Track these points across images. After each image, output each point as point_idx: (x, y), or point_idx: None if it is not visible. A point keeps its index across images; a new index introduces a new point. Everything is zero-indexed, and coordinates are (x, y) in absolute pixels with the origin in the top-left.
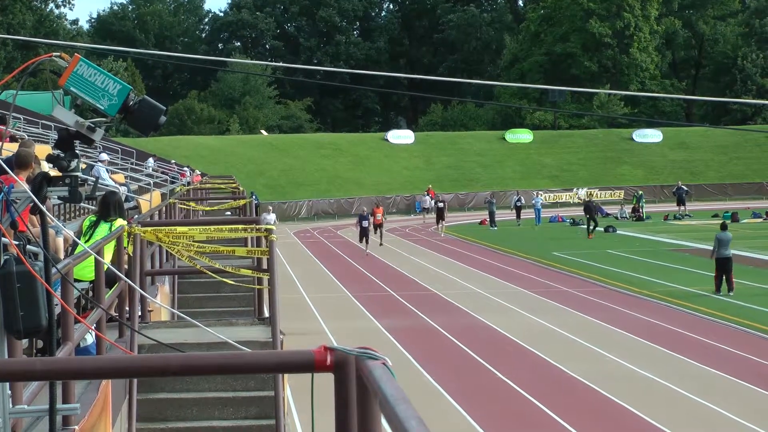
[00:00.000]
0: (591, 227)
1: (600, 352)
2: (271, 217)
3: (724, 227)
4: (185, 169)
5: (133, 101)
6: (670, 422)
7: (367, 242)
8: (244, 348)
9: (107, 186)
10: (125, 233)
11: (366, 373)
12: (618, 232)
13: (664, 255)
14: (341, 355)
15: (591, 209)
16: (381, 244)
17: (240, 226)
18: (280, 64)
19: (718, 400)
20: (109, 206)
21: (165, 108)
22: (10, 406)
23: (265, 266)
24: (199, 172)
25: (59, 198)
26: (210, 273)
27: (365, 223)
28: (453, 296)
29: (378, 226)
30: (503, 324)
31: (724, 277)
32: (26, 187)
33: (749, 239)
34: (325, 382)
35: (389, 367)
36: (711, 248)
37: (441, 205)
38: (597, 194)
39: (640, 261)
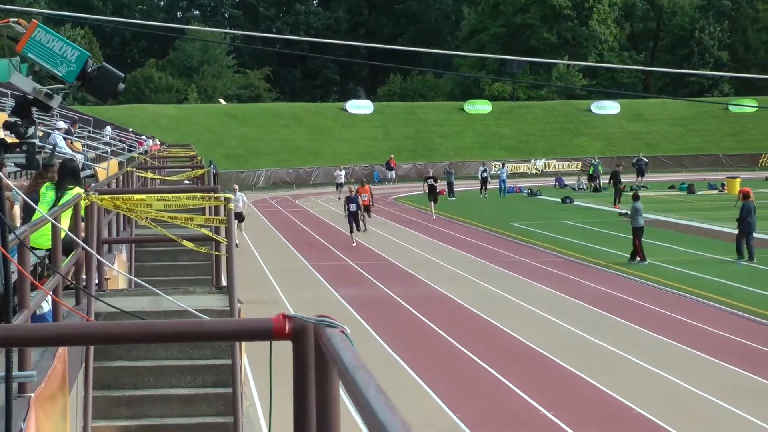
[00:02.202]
0: (616, 197)
1: (555, 321)
2: (240, 196)
3: (636, 197)
4: (143, 137)
5: (91, 68)
6: (625, 391)
7: (357, 229)
8: (203, 316)
9: (64, 154)
10: (82, 201)
11: (324, 341)
12: (575, 203)
13: (620, 226)
14: (300, 323)
15: (617, 177)
16: (365, 230)
17: (198, 195)
18: (239, 32)
19: (672, 370)
20: (66, 174)
21: (123, 75)
22: None
23: (220, 234)
24: (157, 141)
25: (16, 165)
26: (172, 237)
27: (352, 206)
28: (410, 266)
29: (365, 207)
30: (460, 294)
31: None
32: None
33: (705, 210)
34: (283, 350)
35: (348, 336)
36: (671, 220)
37: (432, 182)
38: (555, 165)
39: (597, 231)
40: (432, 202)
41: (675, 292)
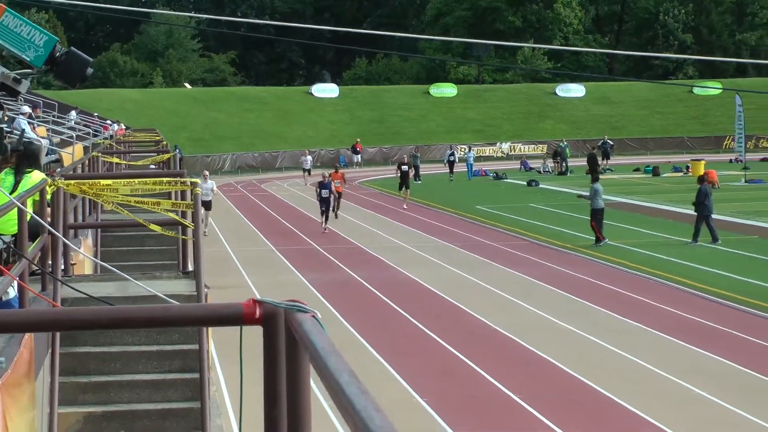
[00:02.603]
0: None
1: (521, 304)
2: (210, 183)
3: (595, 179)
4: (108, 122)
5: (59, 53)
6: (591, 373)
7: (327, 215)
8: (172, 301)
9: (29, 138)
10: (48, 186)
11: (295, 325)
12: (541, 186)
13: (585, 209)
14: (270, 308)
15: (594, 160)
16: (336, 216)
17: (165, 179)
18: (204, 15)
19: (637, 352)
20: (25, 158)
21: (91, 60)
22: None
23: (188, 218)
24: (122, 126)
25: None
26: (140, 221)
27: (325, 192)
28: (377, 250)
29: (338, 194)
30: (426, 277)
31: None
32: None
33: (670, 193)
34: (250, 335)
35: (319, 320)
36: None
37: (405, 168)
38: (521, 148)
39: (562, 214)
40: (405, 189)
41: (640, 274)
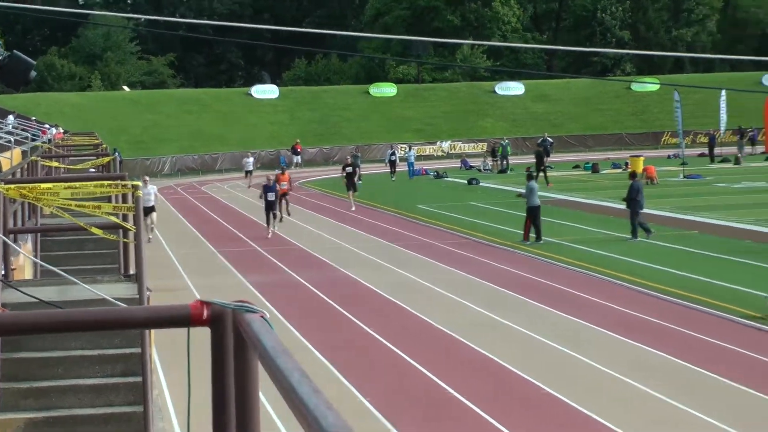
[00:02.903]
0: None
1: (463, 302)
2: (152, 188)
3: (530, 177)
4: (46, 126)
5: (2, 56)
6: (535, 370)
7: (274, 218)
8: (119, 303)
9: None
10: None
11: (244, 326)
12: (481, 184)
13: (524, 206)
14: (218, 308)
15: (541, 157)
16: (281, 220)
17: (106, 183)
18: (142, 16)
19: (579, 348)
20: None
21: (34, 63)
22: None
23: (131, 222)
24: (60, 129)
25: None
26: (81, 224)
27: (270, 195)
28: (318, 250)
29: (283, 195)
30: (369, 277)
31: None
32: None
33: (609, 189)
34: (194, 337)
35: (267, 320)
36: (575, 199)
37: (350, 169)
38: (461, 147)
39: (503, 212)
40: (351, 191)
41: (580, 270)
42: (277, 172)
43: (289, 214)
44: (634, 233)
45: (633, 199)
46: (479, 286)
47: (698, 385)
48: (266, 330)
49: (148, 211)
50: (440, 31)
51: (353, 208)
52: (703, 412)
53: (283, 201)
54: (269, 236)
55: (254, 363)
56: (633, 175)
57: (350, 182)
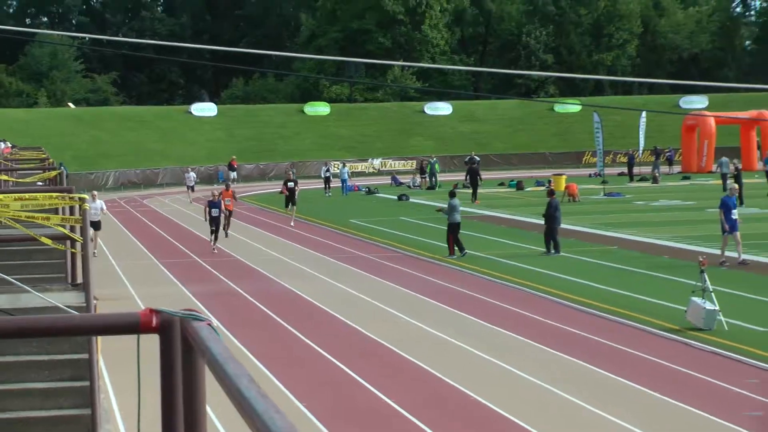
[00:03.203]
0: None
1: (396, 313)
2: (99, 203)
3: (452, 194)
4: None
5: None
6: (464, 379)
7: (216, 235)
8: (70, 311)
9: None
10: None
11: (192, 333)
12: (411, 200)
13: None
14: (167, 317)
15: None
16: (227, 236)
17: (54, 195)
18: (87, 35)
19: (504, 356)
20: None
21: None
22: None
23: (78, 233)
24: (8, 144)
25: None
26: (33, 234)
27: (214, 212)
28: (256, 262)
29: (228, 212)
30: (305, 289)
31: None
32: None
33: (533, 206)
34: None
35: (214, 328)
36: (500, 215)
37: (291, 184)
38: (391, 164)
39: (432, 227)
40: (292, 205)
41: (505, 283)
42: (222, 188)
43: (226, 235)
44: (556, 247)
45: (551, 215)
46: (408, 296)
47: (613, 391)
48: (213, 337)
49: (94, 226)
50: (372, 53)
51: (292, 224)
52: (614, 415)
53: (228, 218)
54: (214, 251)
55: (202, 368)
56: (551, 192)
57: (291, 197)
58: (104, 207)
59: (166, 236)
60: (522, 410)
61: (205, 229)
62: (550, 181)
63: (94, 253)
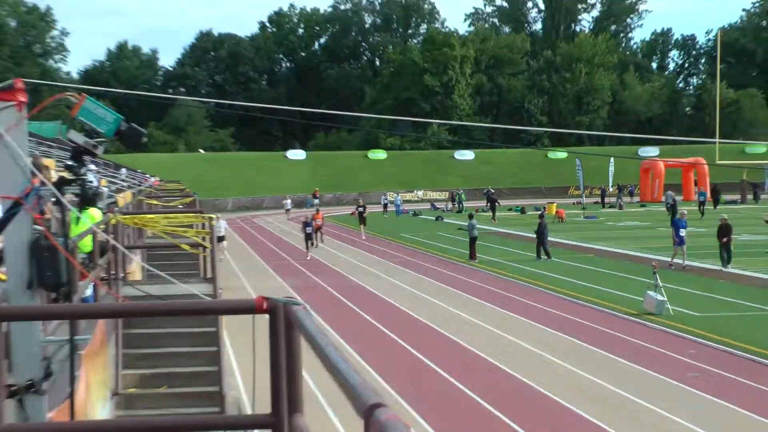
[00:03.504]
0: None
1: (428, 298)
2: (222, 223)
3: (471, 217)
4: (147, 176)
5: (124, 127)
6: (459, 335)
7: (310, 246)
8: (205, 297)
9: (92, 186)
10: (112, 219)
11: (292, 314)
12: (444, 220)
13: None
14: (273, 302)
15: (492, 199)
16: (316, 246)
17: (191, 215)
18: (212, 100)
19: (505, 330)
20: (87, 200)
21: (146, 132)
22: (42, 336)
23: (207, 242)
24: (157, 179)
25: (74, 194)
26: (177, 243)
27: (309, 229)
28: (335, 264)
29: (317, 229)
30: (368, 282)
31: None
32: (51, 186)
33: (531, 225)
34: (248, 323)
35: (308, 310)
36: (506, 231)
37: (362, 209)
38: (430, 194)
39: (457, 239)
40: (362, 225)
41: (505, 277)
42: (313, 211)
43: (321, 243)
44: (547, 254)
45: (541, 232)
46: (436, 285)
47: (588, 357)
48: (307, 317)
49: (220, 239)
50: (416, 114)
51: (363, 237)
52: (589, 373)
53: (319, 233)
54: (308, 259)
55: (299, 340)
56: (541, 216)
57: (362, 218)
58: (227, 225)
59: (269, 244)
60: (515, 363)
61: (299, 240)
62: (544, 208)
63: (221, 258)
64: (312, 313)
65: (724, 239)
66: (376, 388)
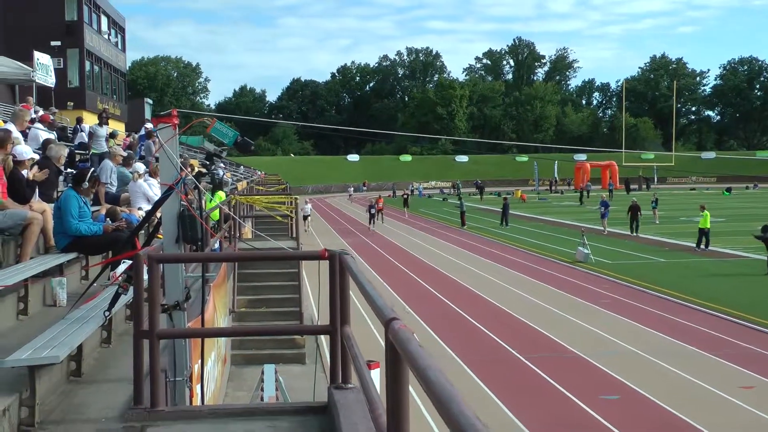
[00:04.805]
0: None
1: (436, 251)
2: (308, 206)
3: (460, 199)
4: (257, 171)
5: (239, 139)
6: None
7: (373, 222)
8: (289, 250)
9: (219, 177)
10: (232, 199)
11: (343, 261)
12: (448, 201)
13: (459, 211)
14: (332, 252)
15: (480, 187)
16: (374, 224)
17: (284, 196)
18: (299, 123)
19: (478, 287)
20: (218, 185)
21: (253, 143)
22: (185, 273)
23: (293, 213)
24: (264, 173)
25: (207, 183)
26: (274, 215)
27: (372, 210)
28: (381, 230)
29: (379, 211)
30: (401, 241)
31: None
32: (192, 177)
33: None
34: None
35: (354, 258)
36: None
37: (406, 195)
38: (439, 184)
39: (455, 212)
40: (406, 207)
41: (481, 236)
42: (377, 197)
43: (382, 222)
44: (501, 223)
45: (505, 208)
46: (441, 243)
47: (535, 288)
48: (353, 262)
49: (305, 217)
50: (431, 132)
51: (407, 216)
52: (534, 297)
53: (379, 214)
54: (370, 231)
55: (348, 277)
56: (505, 198)
57: (406, 202)
58: (311, 207)
59: (337, 218)
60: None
61: (362, 217)
62: (509, 193)
63: (306, 230)
64: (355, 260)
65: (638, 214)
66: (393, 307)
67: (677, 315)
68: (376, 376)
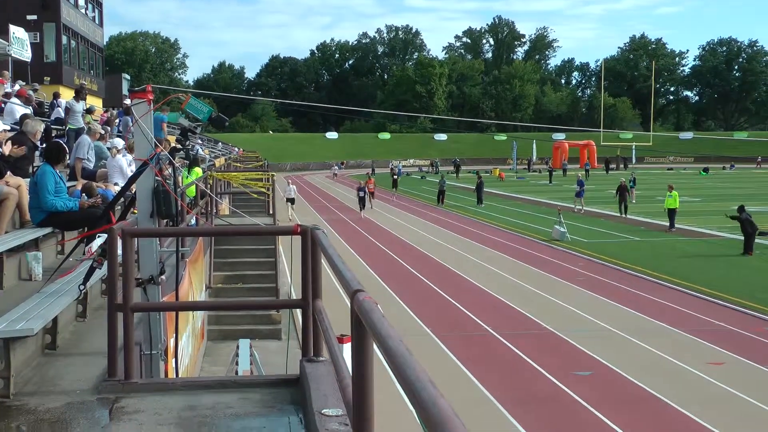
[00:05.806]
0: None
1: (414, 229)
2: (292, 187)
3: (441, 176)
4: (235, 148)
5: (214, 115)
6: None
7: (363, 208)
8: (264, 226)
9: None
10: (209, 175)
11: (314, 235)
12: (427, 179)
13: (437, 189)
14: (305, 228)
15: (458, 165)
16: (371, 207)
17: (260, 173)
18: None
19: (451, 260)
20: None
21: (228, 119)
22: (159, 248)
23: (269, 190)
24: (241, 149)
25: (182, 158)
26: (249, 192)
27: (362, 194)
28: (370, 214)
29: (371, 194)
30: (381, 221)
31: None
32: (166, 153)
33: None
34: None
35: (325, 234)
36: (464, 186)
37: (395, 176)
38: (418, 162)
39: (433, 190)
40: (394, 188)
41: (458, 213)
42: (366, 179)
43: (371, 207)
44: (478, 202)
45: (478, 187)
46: (419, 221)
47: (512, 267)
48: (324, 237)
49: (290, 200)
50: (410, 110)
51: (394, 198)
52: (511, 276)
53: (371, 196)
54: (362, 218)
55: (319, 251)
56: (479, 176)
57: (395, 183)
58: (296, 190)
59: (316, 196)
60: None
61: (349, 200)
62: (487, 171)
63: (290, 218)
64: (326, 235)
65: (626, 195)
66: (359, 279)
67: (651, 293)
68: (348, 350)
